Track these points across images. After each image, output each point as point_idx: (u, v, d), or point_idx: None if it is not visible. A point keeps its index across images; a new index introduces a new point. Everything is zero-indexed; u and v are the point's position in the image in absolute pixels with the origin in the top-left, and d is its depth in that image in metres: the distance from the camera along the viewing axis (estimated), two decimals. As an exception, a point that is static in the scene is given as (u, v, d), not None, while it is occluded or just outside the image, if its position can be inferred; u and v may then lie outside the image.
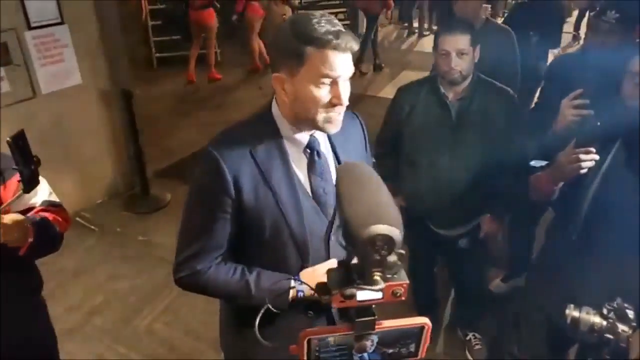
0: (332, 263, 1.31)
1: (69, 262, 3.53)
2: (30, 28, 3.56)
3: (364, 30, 8.02)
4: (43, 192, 1.76)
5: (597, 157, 1.59)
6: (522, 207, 2.61)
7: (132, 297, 3.32)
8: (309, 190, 1.38)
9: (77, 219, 4.13)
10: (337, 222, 1.37)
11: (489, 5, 3.25)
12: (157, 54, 7.95)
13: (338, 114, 1.28)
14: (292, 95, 1.27)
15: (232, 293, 1.41)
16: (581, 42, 7.92)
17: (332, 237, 1.40)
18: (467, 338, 2.87)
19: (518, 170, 2.24)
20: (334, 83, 1.23)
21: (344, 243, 0.83)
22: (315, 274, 1.33)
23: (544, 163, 1.96)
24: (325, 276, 1.14)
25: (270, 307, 1.05)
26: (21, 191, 1.48)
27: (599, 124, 1.69)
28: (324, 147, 1.41)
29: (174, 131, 5.66)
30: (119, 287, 3.41)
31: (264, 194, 1.33)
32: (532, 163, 2.09)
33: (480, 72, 2.29)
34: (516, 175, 2.27)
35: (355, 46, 1.22)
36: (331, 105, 1.25)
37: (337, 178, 0.92)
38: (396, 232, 0.75)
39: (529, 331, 2.00)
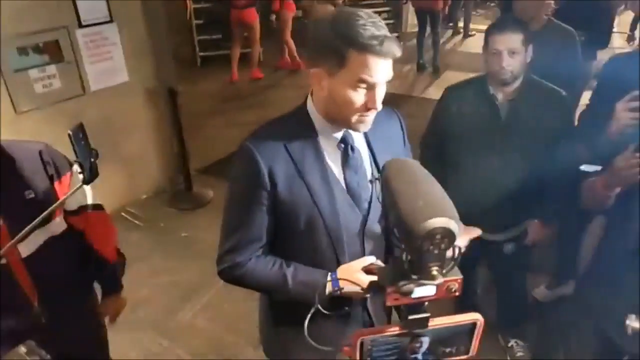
0: (369, 259, 1.31)
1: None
2: (80, 26, 3.66)
3: (405, 30, 7.91)
4: (90, 194, 1.82)
5: None
6: (571, 213, 2.53)
7: (175, 292, 3.38)
8: (343, 184, 1.38)
9: (123, 214, 4.25)
10: (372, 216, 1.38)
11: (552, 1, 3.07)
12: (201, 53, 8.06)
13: (370, 116, 1.28)
14: (328, 94, 1.27)
15: (270, 285, 1.42)
16: (636, 42, 7.61)
17: (367, 231, 1.42)
18: (509, 345, 2.80)
19: (568, 174, 2.18)
20: (371, 87, 1.22)
21: (397, 238, 0.82)
22: (351, 269, 1.32)
23: (596, 168, 1.89)
24: (361, 272, 1.13)
25: (320, 307, 1.04)
26: (81, 183, 1.53)
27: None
28: (359, 142, 1.41)
29: (217, 129, 5.73)
30: (163, 281, 3.49)
31: (299, 188, 1.33)
32: (583, 168, 2.02)
33: (541, 73, 2.22)
34: (566, 180, 2.21)
35: (398, 52, 1.20)
36: (366, 108, 1.25)
37: (386, 174, 0.91)
38: (454, 225, 0.75)
39: (578, 341, 1.93)
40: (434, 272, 0.78)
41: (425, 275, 0.78)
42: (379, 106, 1.26)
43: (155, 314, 3.21)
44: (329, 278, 1.34)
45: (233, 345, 2.95)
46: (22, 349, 1.31)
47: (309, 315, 0.97)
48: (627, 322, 1.31)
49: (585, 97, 2.75)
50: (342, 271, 1.35)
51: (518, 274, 2.68)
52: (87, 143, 1.56)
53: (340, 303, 1.43)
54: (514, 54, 2.07)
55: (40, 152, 1.66)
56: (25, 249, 1.58)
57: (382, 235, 1.48)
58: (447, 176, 2.32)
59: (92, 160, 1.56)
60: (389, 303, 0.84)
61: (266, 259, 1.42)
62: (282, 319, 1.56)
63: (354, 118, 1.27)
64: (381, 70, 1.20)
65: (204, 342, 2.99)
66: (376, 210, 1.42)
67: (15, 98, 3.44)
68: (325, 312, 0.98)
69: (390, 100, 1.31)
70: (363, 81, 1.20)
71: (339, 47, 1.19)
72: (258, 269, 1.41)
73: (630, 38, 8.25)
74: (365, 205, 1.41)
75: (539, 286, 3.19)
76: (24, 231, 1.47)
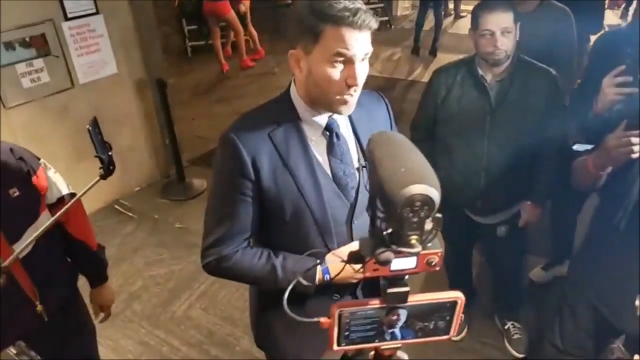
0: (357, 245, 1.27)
1: (108, 248, 3.52)
2: (66, 19, 3.61)
3: (396, 13, 7.84)
4: (64, 184, 1.80)
5: None
6: (565, 193, 2.52)
7: (170, 283, 3.38)
8: (329, 172, 1.36)
9: (116, 206, 4.23)
10: (360, 204, 1.37)
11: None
12: (191, 43, 7.99)
13: (352, 96, 1.25)
14: (307, 74, 1.24)
15: (258, 277, 1.39)
16: (629, 19, 7.56)
17: (355, 220, 1.40)
18: (506, 327, 2.81)
19: (560, 154, 2.16)
20: (349, 62, 1.19)
21: (378, 209, 0.80)
22: (340, 255, 1.30)
23: (587, 147, 1.87)
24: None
25: (302, 279, 1.02)
26: (98, 177, 1.53)
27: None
28: (344, 129, 1.38)
29: (209, 119, 5.70)
30: (157, 273, 3.49)
31: (283, 177, 1.31)
32: (575, 147, 2.00)
33: (536, 53, 2.20)
34: (558, 160, 2.20)
35: (374, 24, 1.17)
36: (346, 85, 1.21)
37: (370, 145, 0.89)
38: (435, 193, 0.73)
39: (573, 321, 1.93)
40: (413, 241, 0.76)
41: (404, 244, 0.77)
42: (360, 83, 1.22)
43: (151, 305, 3.21)
44: (318, 265, 1.32)
45: (229, 336, 2.95)
46: (12, 350, 1.31)
47: (287, 290, 0.95)
48: (637, 302, 1.30)
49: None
50: (331, 259, 1.33)
51: (513, 256, 2.68)
52: (102, 137, 1.56)
53: (329, 291, 1.43)
54: (506, 33, 2.03)
55: (11, 150, 1.63)
56: (23, 250, 1.55)
57: (371, 222, 1.46)
58: (438, 159, 2.32)
59: (110, 154, 1.56)
60: (367, 274, 0.83)
61: (253, 250, 1.40)
62: (272, 309, 1.54)
63: (335, 98, 1.24)
64: (357, 43, 1.17)
65: (199, 333, 2.98)
66: (364, 198, 1.39)
67: (3, 93, 3.40)
68: (305, 284, 0.96)
69: (383, 84, 1.28)
70: (339, 55, 1.17)
71: (313, 23, 1.16)
72: (245, 261, 1.38)
73: (624, 15, 8.21)
74: (353, 193, 1.39)
75: (536, 268, 3.20)
76: (40, 231, 1.49)
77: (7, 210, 1.54)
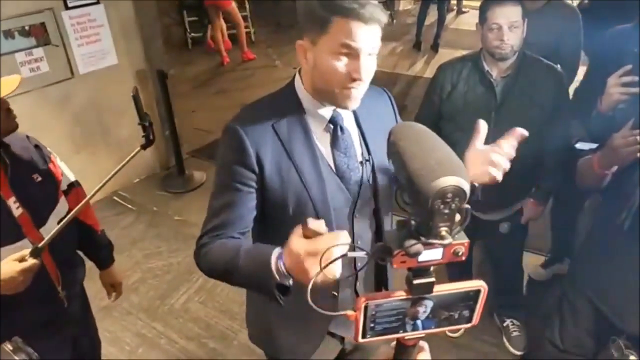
0: (337, 235, 1.04)
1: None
2: (67, 8, 3.58)
3: (398, 8, 7.80)
4: (70, 172, 1.86)
5: None
6: (566, 191, 2.51)
7: (168, 276, 3.37)
8: (332, 165, 1.35)
9: (115, 198, 4.22)
10: (362, 198, 1.35)
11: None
12: (192, 35, 7.95)
13: (357, 90, 1.23)
14: (312, 65, 1.23)
15: (224, 266, 1.25)
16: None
17: (357, 214, 1.39)
18: (505, 324, 2.80)
19: (564, 152, 2.15)
20: (355, 56, 1.17)
21: (404, 202, 0.80)
22: (291, 240, 1.07)
23: (591, 146, 1.86)
24: (295, 238, 1.06)
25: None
26: (139, 147, 1.65)
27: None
28: (348, 123, 1.37)
29: (209, 111, 5.67)
30: (155, 265, 3.47)
31: (287, 169, 1.30)
32: (578, 146, 1.99)
33: (542, 51, 2.18)
34: (562, 158, 2.18)
35: (383, 18, 1.16)
36: (350, 79, 1.20)
37: (393, 137, 0.88)
38: (465, 184, 0.72)
39: (573, 319, 1.93)
40: (443, 233, 0.76)
41: (434, 236, 0.76)
42: (365, 78, 1.21)
43: (149, 298, 3.20)
44: (275, 253, 1.10)
45: (227, 329, 2.95)
46: (9, 347, 1.29)
47: (311, 282, 0.93)
48: None
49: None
50: (287, 254, 1.07)
51: (514, 253, 2.67)
52: (142, 106, 1.60)
53: (328, 289, 1.41)
54: (514, 27, 2.02)
55: (27, 137, 1.70)
56: (47, 235, 1.57)
57: (373, 217, 1.45)
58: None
59: (151, 123, 1.59)
60: (395, 266, 0.82)
61: (233, 240, 1.30)
62: (268, 305, 1.50)
63: (339, 91, 1.22)
64: (364, 36, 1.16)
65: (197, 326, 2.98)
66: (366, 192, 1.39)
67: (2, 82, 3.37)
68: (324, 312, 0.92)
69: (384, 79, 1.27)
70: (345, 46, 1.16)
71: (321, 14, 1.15)
72: (219, 248, 1.27)
73: None
74: (355, 187, 1.37)
75: (535, 265, 3.19)
76: (67, 218, 1.57)
77: (32, 195, 1.59)
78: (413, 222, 0.79)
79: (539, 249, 3.25)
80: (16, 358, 1.25)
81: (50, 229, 1.58)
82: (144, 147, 1.58)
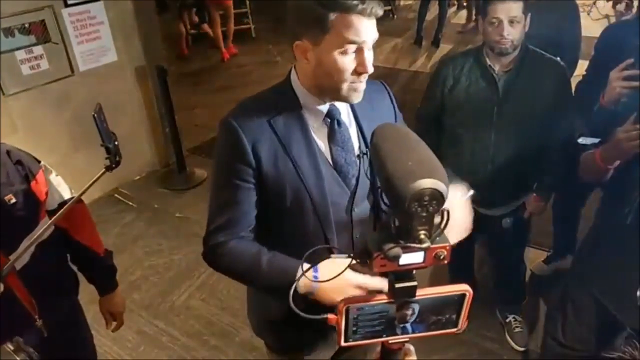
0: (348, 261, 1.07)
1: (108, 238, 3.59)
2: (66, 5, 3.57)
3: (399, 3, 7.73)
4: (67, 188, 1.70)
5: None
6: (569, 186, 2.50)
7: (170, 273, 3.36)
8: (329, 160, 1.34)
9: (116, 195, 4.21)
10: (360, 192, 1.34)
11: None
12: (192, 31, 7.92)
13: (362, 84, 1.24)
14: (315, 64, 1.22)
15: (245, 269, 1.32)
16: (634, 10, 7.46)
17: (355, 208, 1.38)
18: (507, 320, 2.80)
19: (567, 147, 2.14)
20: (359, 50, 1.18)
21: (385, 203, 0.79)
22: (336, 264, 1.13)
23: (594, 140, 1.85)
24: (343, 268, 1.07)
25: (293, 306, 0.94)
26: (104, 169, 1.45)
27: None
28: (346, 117, 1.36)
29: (209, 108, 5.66)
30: (157, 262, 3.47)
31: (284, 164, 1.29)
32: (580, 140, 1.98)
33: (540, 44, 2.17)
34: (565, 153, 2.17)
35: (380, 11, 1.17)
36: (356, 73, 1.21)
37: (375, 139, 0.88)
38: (443, 187, 0.72)
39: (575, 315, 1.92)
40: (422, 236, 0.75)
41: (412, 240, 0.75)
42: (370, 69, 1.21)
43: (150, 295, 3.19)
44: (305, 267, 1.10)
45: (229, 326, 2.94)
46: (9, 347, 1.28)
47: (293, 286, 0.94)
48: (638, 293, 1.29)
49: (581, 67, 2.71)
50: (326, 267, 1.12)
51: (516, 249, 2.66)
52: (107, 125, 1.47)
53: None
54: (514, 22, 2.01)
55: (8, 153, 1.53)
56: (19, 260, 1.47)
57: (371, 212, 1.44)
58: (443, 150, 2.29)
59: (116, 143, 1.48)
60: (375, 269, 0.81)
61: (249, 243, 1.35)
62: (271, 300, 1.47)
63: (346, 86, 1.22)
64: (367, 31, 1.17)
65: (199, 323, 2.97)
66: (364, 186, 1.38)
67: (3, 80, 3.37)
68: (305, 315, 0.92)
69: (385, 75, 1.26)
70: (350, 42, 1.16)
71: (320, 13, 1.15)
72: (238, 250, 1.33)
73: (628, 7, 8.07)
74: (353, 181, 1.37)
75: (537, 261, 3.19)
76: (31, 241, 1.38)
77: (3, 219, 1.46)
78: (393, 224, 0.78)
79: (542, 245, 3.24)
80: (17, 358, 1.24)
81: (24, 254, 1.46)
82: (109, 168, 1.45)
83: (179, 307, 3.09)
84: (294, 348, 1.61)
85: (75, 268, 1.83)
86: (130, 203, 4.15)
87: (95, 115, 1.42)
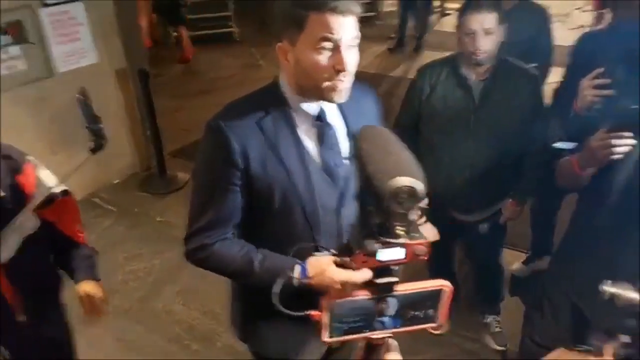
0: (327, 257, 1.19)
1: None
2: (45, 5, 3.52)
3: (382, 9, 7.77)
4: (54, 180, 1.70)
5: (633, 142, 1.49)
6: (545, 190, 2.55)
7: (150, 278, 3.34)
8: (318, 161, 1.35)
9: (95, 199, 4.16)
10: (348, 194, 1.36)
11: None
12: (175, 34, 7.86)
13: (343, 82, 1.24)
14: (295, 64, 1.24)
15: (236, 270, 1.36)
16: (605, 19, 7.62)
17: (343, 210, 1.40)
18: (486, 321, 2.84)
19: (541, 152, 2.18)
20: (336, 48, 1.19)
21: (366, 201, 0.83)
22: (320, 262, 1.20)
23: (569, 145, 1.89)
24: (331, 265, 1.11)
25: (279, 304, 0.97)
26: (88, 154, 1.45)
27: (633, 107, 1.59)
28: (335, 119, 1.37)
29: (191, 111, 5.63)
30: (137, 267, 3.44)
31: (273, 165, 1.30)
32: (558, 145, 2.02)
33: (513, 52, 2.21)
34: (539, 158, 2.22)
35: (356, 9, 1.18)
36: (335, 72, 1.21)
37: (357, 139, 0.93)
38: (420, 185, 0.77)
39: (552, 315, 1.95)
40: (399, 232, 0.78)
41: (391, 236, 0.79)
42: (349, 68, 1.22)
43: (130, 300, 3.17)
44: (297, 266, 1.25)
45: (210, 330, 2.93)
46: None
47: (278, 284, 0.96)
48: (604, 287, 1.32)
49: (555, 75, 2.77)
50: (312, 265, 1.22)
51: (493, 253, 2.71)
52: (92, 108, 1.46)
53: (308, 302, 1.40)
54: (488, 34, 2.05)
55: None
56: (5, 254, 1.46)
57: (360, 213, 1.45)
58: (421, 157, 2.30)
59: (100, 125, 1.47)
60: (356, 266, 0.85)
61: (234, 242, 1.37)
62: (255, 302, 1.48)
63: (325, 84, 1.23)
64: (342, 28, 1.17)
65: (180, 328, 2.96)
66: (353, 188, 1.38)
67: (-22, 81, 3.31)
68: (290, 312, 0.94)
69: (368, 80, 1.28)
70: (325, 39, 1.18)
71: (295, 13, 1.18)
72: (225, 251, 1.35)
73: (600, 16, 8.21)
74: (342, 182, 1.38)
75: (516, 262, 3.23)
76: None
77: None
78: (372, 221, 0.81)
79: (521, 246, 3.29)
80: None
81: (9, 247, 1.46)
82: (93, 150, 1.45)
83: (160, 312, 3.07)
84: (279, 354, 1.60)
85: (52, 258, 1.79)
86: (110, 207, 4.10)
87: (79, 96, 1.41)
